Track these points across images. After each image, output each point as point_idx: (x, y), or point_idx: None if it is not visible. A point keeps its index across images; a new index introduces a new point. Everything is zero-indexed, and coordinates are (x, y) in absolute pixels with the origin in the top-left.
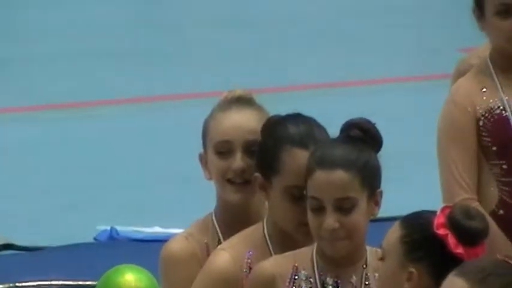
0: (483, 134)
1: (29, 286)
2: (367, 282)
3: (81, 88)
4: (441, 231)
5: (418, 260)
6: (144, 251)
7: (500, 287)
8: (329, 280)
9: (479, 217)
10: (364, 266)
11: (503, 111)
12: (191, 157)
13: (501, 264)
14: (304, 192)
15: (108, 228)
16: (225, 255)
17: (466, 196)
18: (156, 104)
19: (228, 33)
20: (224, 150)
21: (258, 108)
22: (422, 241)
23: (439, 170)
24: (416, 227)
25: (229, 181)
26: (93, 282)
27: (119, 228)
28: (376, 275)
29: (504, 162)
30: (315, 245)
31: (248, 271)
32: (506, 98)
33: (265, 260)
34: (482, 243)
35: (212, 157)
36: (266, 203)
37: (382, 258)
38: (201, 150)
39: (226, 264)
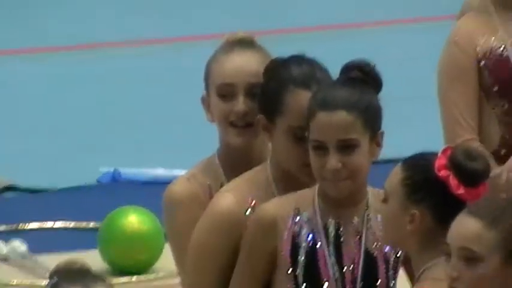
0: (484, 74)
1: (32, 228)
2: (368, 224)
3: (86, 30)
4: (442, 173)
5: (420, 201)
6: (147, 192)
7: None
8: (331, 221)
9: (480, 158)
10: (366, 207)
11: (504, 51)
12: (194, 98)
13: None
14: (306, 134)
15: (111, 170)
16: (229, 197)
17: (467, 137)
18: (160, 46)
19: None
20: (226, 93)
21: (260, 50)
22: (423, 183)
23: (440, 111)
24: (418, 168)
25: (232, 124)
26: (97, 224)
27: (121, 170)
28: (378, 216)
29: (505, 101)
30: (317, 186)
31: (252, 212)
32: (507, 37)
33: (266, 202)
34: (484, 184)
35: (214, 100)
36: (269, 145)
37: (384, 200)
38: (204, 92)
39: (230, 206)
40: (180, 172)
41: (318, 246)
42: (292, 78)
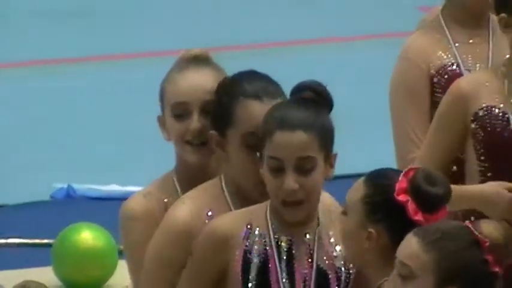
0: (436, 90)
1: None
2: (320, 241)
3: (37, 47)
4: (401, 197)
5: (378, 221)
6: (101, 209)
7: (451, 251)
8: (283, 238)
9: (441, 182)
10: (317, 224)
11: (457, 68)
12: (149, 115)
13: (460, 228)
14: (260, 150)
15: (65, 186)
16: (185, 209)
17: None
18: (111, 63)
19: None
20: (181, 112)
21: (215, 67)
22: (383, 204)
23: (392, 127)
24: (379, 188)
25: (188, 142)
26: (50, 241)
27: (75, 186)
28: (331, 232)
29: None
30: (269, 202)
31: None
32: (459, 54)
33: (218, 218)
34: (444, 208)
35: (170, 119)
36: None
37: (344, 213)
38: (160, 112)
39: (185, 218)
40: (135, 189)
41: (269, 262)
42: (243, 90)
